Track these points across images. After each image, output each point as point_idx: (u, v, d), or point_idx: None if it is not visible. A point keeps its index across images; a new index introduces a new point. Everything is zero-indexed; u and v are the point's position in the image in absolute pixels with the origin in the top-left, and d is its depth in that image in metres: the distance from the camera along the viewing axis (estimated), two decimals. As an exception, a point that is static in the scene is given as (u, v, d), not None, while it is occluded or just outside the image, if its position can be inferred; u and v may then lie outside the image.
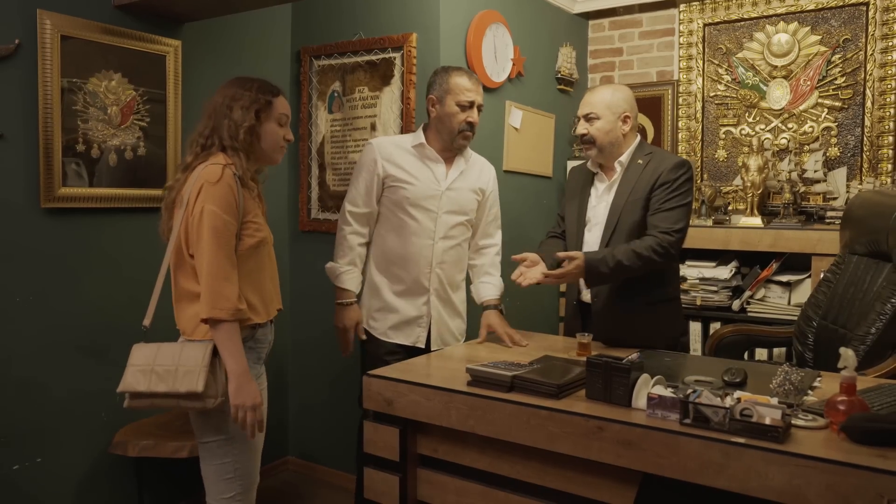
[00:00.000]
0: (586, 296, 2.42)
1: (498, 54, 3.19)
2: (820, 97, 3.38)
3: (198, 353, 1.79)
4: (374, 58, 3.08)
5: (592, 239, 2.40)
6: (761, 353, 3.04)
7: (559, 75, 3.69)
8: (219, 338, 1.80)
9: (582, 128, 2.39)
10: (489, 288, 2.59)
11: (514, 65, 3.28)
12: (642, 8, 3.83)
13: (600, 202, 2.42)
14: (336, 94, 3.23)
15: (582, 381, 1.79)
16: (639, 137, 2.44)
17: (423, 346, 2.51)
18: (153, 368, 1.79)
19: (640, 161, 2.36)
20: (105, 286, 2.62)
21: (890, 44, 3.20)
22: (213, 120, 1.91)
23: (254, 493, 1.98)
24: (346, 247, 2.50)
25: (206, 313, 1.78)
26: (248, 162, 1.93)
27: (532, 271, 2.29)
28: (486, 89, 3.15)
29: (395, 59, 3.01)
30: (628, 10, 3.86)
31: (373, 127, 3.10)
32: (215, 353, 1.81)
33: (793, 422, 1.53)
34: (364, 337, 2.53)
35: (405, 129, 2.94)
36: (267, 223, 1.98)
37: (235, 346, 1.81)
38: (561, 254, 2.23)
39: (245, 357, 1.83)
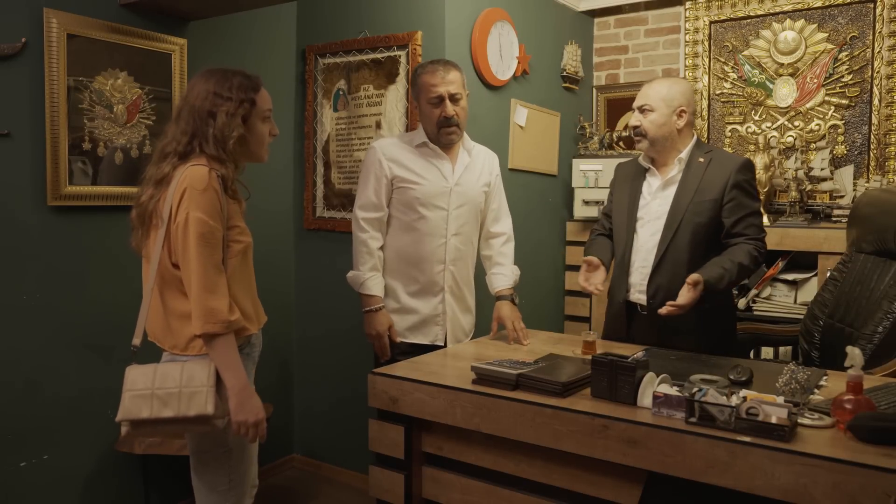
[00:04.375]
0: (636, 297, 2.34)
1: (503, 52, 3.19)
2: (827, 95, 3.36)
3: (201, 373, 1.68)
4: (379, 56, 3.08)
5: (647, 235, 2.33)
6: (767, 352, 3.03)
7: (564, 73, 3.68)
8: (215, 353, 1.68)
9: (635, 119, 2.34)
10: (501, 278, 2.58)
11: (519, 63, 3.28)
12: (648, 6, 3.82)
13: (654, 199, 2.35)
14: (341, 93, 3.23)
15: (587, 379, 1.79)
16: (695, 134, 2.39)
17: (441, 344, 2.51)
18: (153, 392, 1.66)
19: (700, 160, 2.30)
20: (111, 284, 2.62)
21: (897, 41, 3.18)
22: (191, 124, 1.75)
23: (248, 501, 1.90)
24: (366, 253, 2.46)
25: (198, 329, 1.66)
26: (236, 170, 1.81)
27: (596, 276, 2.26)
28: (491, 87, 3.15)
29: (400, 57, 3.01)
30: (634, 7, 3.85)
31: (378, 125, 3.10)
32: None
33: (799, 420, 1.52)
34: (398, 339, 2.49)
35: (410, 127, 2.94)
36: (246, 225, 1.85)
37: (233, 359, 1.70)
38: (689, 279, 2.10)
39: (244, 370, 1.73)
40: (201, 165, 1.71)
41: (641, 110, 2.33)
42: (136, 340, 1.77)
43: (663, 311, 2.12)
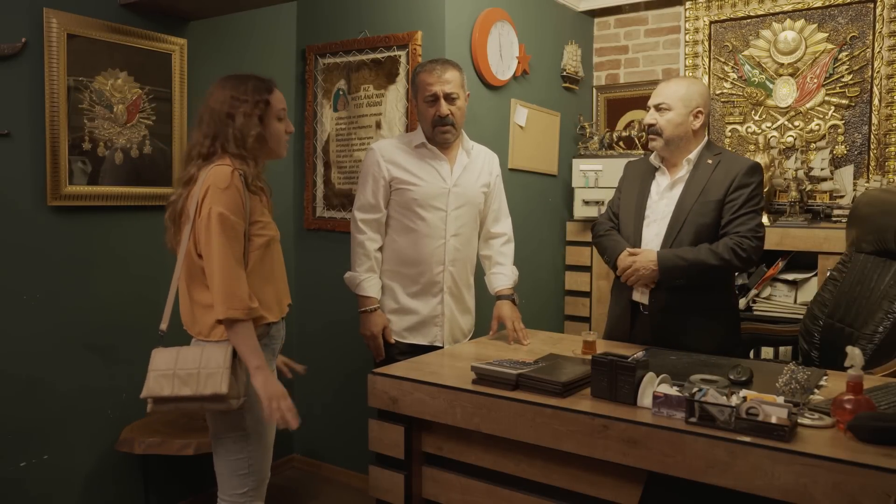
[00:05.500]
0: (639, 296, 2.32)
1: (503, 52, 3.19)
2: (827, 95, 3.36)
3: (219, 355, 1.81)
4: (379, 56, 3.08)
5: (651, 235, 2.32)
6: (767, 352, 3.03)
7: (564, 73, 3.68)
8: (236, 337, 1.82)
9: (651, 118, 2.31)
10: (501, 278, 2.58)
11: (519, 63, 3.28)
12: (648, 5, 3.82)
13: (662, 198, 2.34)
14: (341, 93, 3.23)
15: (587, 379, 1.79)
16: (707, 136, 2.37)
17: (440, 345, 2.51)
18: (175, 372, 1.81)
19: (709, 161, 2.29)
20: (111, 284, 2.62)
21: (897, 41, 3.19)
22: (212, 127, 1.89)
23: (265, 489, 2.00)
24: (363, 254, 2.47)
25: (221, 314, 1.79)
26: (257, 166, 1.93)
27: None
28: (491, 87, 3.15)
29: (400, 57, 3.01)
30: (634, 7, 3.85)
31: (378, 125, 3.10)
32: (234, 353, 1.83)
33: (799, 420, 1.52)
34: (393, 340, 2.49)
35: (410, 127, 2.94)
36: (273, 220, 1.99)
37: (253, 343, 1.83)
38: (629, 250, 2.16)
39: (262, 353, 1.86)
40: (225, 165, 1.84)
41: (658, 108, 2.30)
42: (163, 325, 1.93)
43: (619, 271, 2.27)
